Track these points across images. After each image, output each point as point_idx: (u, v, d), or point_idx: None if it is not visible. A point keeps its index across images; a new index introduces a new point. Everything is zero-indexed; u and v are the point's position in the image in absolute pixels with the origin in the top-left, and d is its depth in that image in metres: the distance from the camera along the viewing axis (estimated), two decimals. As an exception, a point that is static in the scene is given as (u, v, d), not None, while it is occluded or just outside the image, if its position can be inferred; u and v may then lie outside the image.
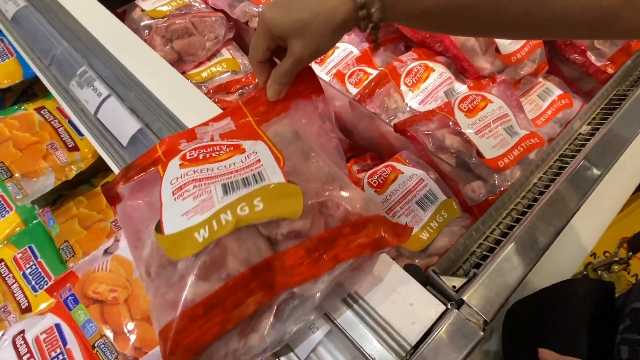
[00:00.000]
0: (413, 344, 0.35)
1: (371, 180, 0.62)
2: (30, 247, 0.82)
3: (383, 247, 0.34)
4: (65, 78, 0.65)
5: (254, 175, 0.36)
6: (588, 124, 0.62)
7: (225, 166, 0.38)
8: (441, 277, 0.39)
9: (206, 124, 0.45)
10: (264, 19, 0.37)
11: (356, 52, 0.86)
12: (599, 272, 0.48)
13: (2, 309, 0.76)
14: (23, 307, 0.76)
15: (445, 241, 0.57)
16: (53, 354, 0.60)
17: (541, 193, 0.52)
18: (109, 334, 0.59)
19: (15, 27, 0.76)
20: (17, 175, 0.80)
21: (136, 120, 0.56)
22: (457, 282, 0.39)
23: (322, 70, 0.85)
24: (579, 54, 0.77)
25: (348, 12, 0.35)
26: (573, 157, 0.56)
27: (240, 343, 0.31)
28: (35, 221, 0.86)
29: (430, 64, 0.76)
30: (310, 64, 0.43)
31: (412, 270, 0.39)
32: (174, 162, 0.39)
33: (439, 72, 0.75)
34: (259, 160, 0.38)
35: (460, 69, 0.77)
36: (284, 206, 0.33)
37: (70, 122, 0.91)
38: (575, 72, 0.80)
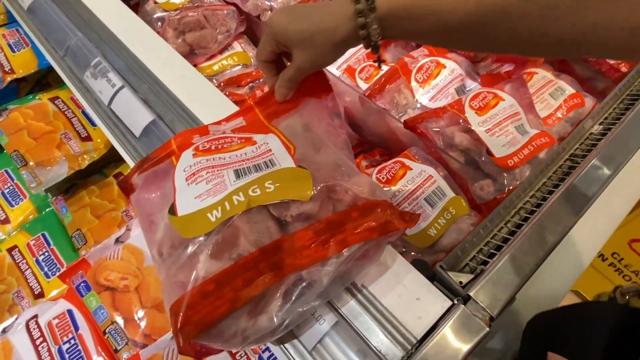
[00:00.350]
0: (419, 338, 0.35)
1: (380, 176, 0.62)
2: (43, 235, 0.84)
3: (391, 231, 0.35)
4: (80, 69, 0.66)
5: (265, 162, 0.37)
6: (600, 124, 0.62)
7: (237, 155, 0.39)
8: (448, 272, 0.40)
9: (219, 123, 0.46)
10: (271, 25, 0.38)
11: (367, 47, 0.85)
12: (627, 297, 0.47)
13: (16, 294, 0.78)
14: (36, 292, 0.78)
15: (452, 238, 0.57)
16: (65, 339, 0.62)
17: (550, 192, 0.52)
18: (120, 321, 0.60)
19: (31, 17, 0.77)
20: (31, 163, 0.81)
21: (149, 111, 0.57)
22: (464, 278, 0.39)
23: (333, 65, 0.85)
24: (593, 53, 0.76)
25: (349, 31, 0.35)
26: (584, 157, 0.56)
27: (249, 322, 0.32)
28: (48, 209, 0.88)
29: (442, 60, 0.76)
30: None
31: (419, 265, 0.40)
32: (187, 152, 0.40)
33: (450, 69, 0.75)
34: (270, 150, 0.39)
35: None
36: (294, 188, 0.34)
37: (84, 112, 0.93)
38: (588, 71, 0.79)
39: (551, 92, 0.73)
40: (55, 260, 0.81)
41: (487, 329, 0.35)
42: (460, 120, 0.64)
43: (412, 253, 0.56)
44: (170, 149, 0.42)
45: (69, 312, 0.64)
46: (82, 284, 0.65)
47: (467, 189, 0.62)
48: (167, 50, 0.65)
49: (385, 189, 0.61)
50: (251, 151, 0.39)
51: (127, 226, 0.71)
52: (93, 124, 0.91)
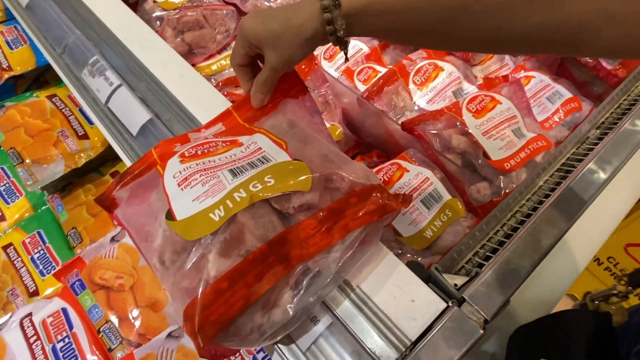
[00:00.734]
0: (413, 340, 0.35)
1: (377, 177, 0.62)
2: (38, 232, 0.83)
3: (389, 212, 0.36)
4: (77, 66, 0.66)
5: (259, 159, 0.37)
6: (597, 128, 0.62)
7: (226, 157, 0.38)
8: (443, 274, 0.40)
9: (198, 130, 0.46)
10: (242, 28, 0.39)
11: (366, 49, 0.86)
12: (597, 302, 0.48)
13: (10, 292, 0.78)
14: (31, 290, 0.77)
15: (448, 240, 0.57)
16: (59, 337, 0.62)
17: (547, 196, 0.52)
18: (114, 320, 0.60)
19: (29, 14, 0.77)
20: (27, 161, 0.81)
21: (146, 110, 0.57)
22: (459, 280, 0.39)
23: (332, 67, 0.86)
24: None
25: (316, 27, 0.36)
26: (580, 160, 0.56)
27: (264, 318, 0.32)
28: (44, 207, 0.88)
29: (440, 63, 0.76)
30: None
31: (414, 267, 0.40)
32: (173, 160, 0.39)
33: (448, 72, 0.75)
34: (260, 148, 0.39)
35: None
36: (294, 180, 0.35)
37: (81, 111, 0.92)
38: (585, 75, 0.80)
39: (548, 96, 0.74)
40: (50, 259, 0.80)
41: (481, 331, 0.35)
42: (458, 123, 0.64)
43: (408, 255, 0.56)
44: (151, 160, 0.41)
45: (64, 310, 0.64)
46: (77, 283, 0.65)
47: (464, 192, 0.62)
48: (165, 49, 0.64)
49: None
50: (240, 152, 0.39)
51: (123, 225, 0.70)
52: (90, 122, 0.91)
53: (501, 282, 0.39)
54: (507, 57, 0.83)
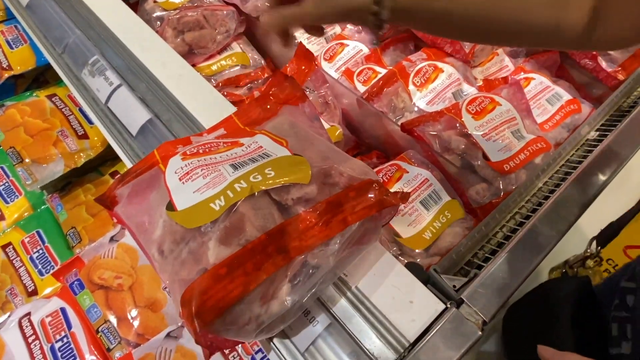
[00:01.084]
0: (411, 341, 0.35)
1: (376, 178, 0.63)
2: (38, 232, 0.83)
3: (387, 206, 0.36)
4: (77, 66, 0.66)
5: (259, 155, 0.38)
6: (596, 130, 0.62)
7: (227, 155, 0.39)
8: (442, 276, 0.40)
9: (200, 134, 0.47)
10: None
11: (365, 50, 0.86)
12: (575, 269, 0.50)
13: (9, 292, 0.78)
14: (29, 290, 0.77)
15: (447, 241, 0.57)
16: (58, 337, 0.62)
17: (546, 198, 0.53)
18: (113, 320, 0.60)
19: (30, 14, 0.77)
20: (27, 160, 0.81)
21: (146, 110, 0.57)
22: (458, 281, 0.39)
23: (332, 68, 0.86)
24: (590, 59, 0.76)
25: (364, 2, 0.36)
26: (579, 162, 0.56)
27: (262, 309, 0.32)
28: (43, 206, 0.88)
29: (440, 64, 0.76)
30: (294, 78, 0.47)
31: (413, 268, 0.40)
32: (175, 158, 0.40)
33: (447, 73, 0.75)
34: (260, 147, 0.39)
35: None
36: (294, 172, 0.35)
37: (81, 110, 0.92)
38: (585, 77, 0.80)
39: (548, 98, 0.74)
40: (49, 258, 0.80)
41: (480, 333, 0.35)
42: (457, 124, 0.64)
43: (407, 256, 0.56)
44: (153, 160, 0.42)
45: (62, 310, 0.64)
46: (75, 282, 0.65)
47: (463, 193, 0.62)
48: (165, 50, 0.65)
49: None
50: (241, 150, 0.39)
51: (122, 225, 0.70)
52: (90, 121, 0.91)
53: (500, 284, 0.39)
54: (506, 58, 0.83)
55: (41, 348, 0.61)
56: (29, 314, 0.65)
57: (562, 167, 0.57)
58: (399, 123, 0.66)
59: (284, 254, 0.32)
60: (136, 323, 0.59)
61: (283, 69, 0.75)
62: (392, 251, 0.56)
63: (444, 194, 0.61)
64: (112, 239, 0.69)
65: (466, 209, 0.61)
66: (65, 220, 0.83)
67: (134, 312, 0.60)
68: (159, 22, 0.81)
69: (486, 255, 0.47)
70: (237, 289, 0.31)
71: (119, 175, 0.41)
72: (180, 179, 0.37)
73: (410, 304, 0.37)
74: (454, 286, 0.39)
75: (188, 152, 0.41)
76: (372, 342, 0.36)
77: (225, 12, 0.85)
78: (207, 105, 0.56)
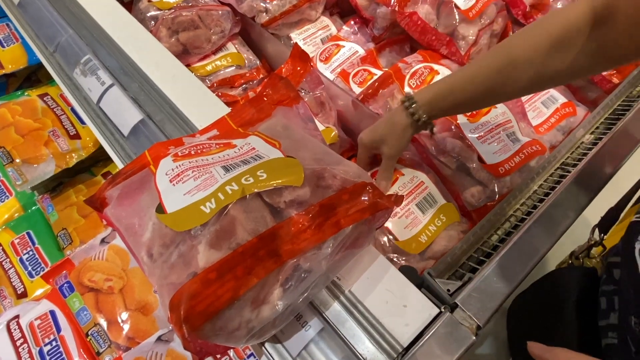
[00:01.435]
0: (405, 346, 0.35)
1: (371, 180, 0.62)
2: (28, 233, 0.82)
3: (381, 209, 0.36)
4: (69, 65, 0.65)
5: (252, 157, 0.38)
6: (591, 133, 0.62)
7: (220, 156, 0.38)
8: (436, 280, 0.39)
9: (193, 135, 0.47)
10: (361, 141, 0.58)
11: (361, 51, 0.85)
12: (580, 259, 0.50)
13: (-2, 294, 0.76)
14: (19, 292, 0.76)
15: (442, 245, 0.57)
16: (46, 340, 0.60)
17: (541, 201, 0.52)
18: (103, 323, 0.59)
19: (22, 12, 0.76)
20: (17, 160, 0.80)
21: (138, 110, 0.56)
22: (452, 285, 0.39)
23: (327, 69, 0.85)
24: (585, 63, 0.76)
25: (406, 120, 0.53)
26: (574, 165, 0.56)
27: (253, 314, 0.32)
28: (34, 207, 0.87)
29: (435, 66, 0.76)
30: (285, 76, 0.50)
31: (407, 272, 0.39)
32: (167, 159, 0.39)
33: (443, 75, 0.75)
34: (253, 148, 0.39)
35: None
36: (286, 174, 0.35)
37: (73, 110, 0.91)
38: (580, 81, 0.80)
39: (543, 101, 0.74)
40: (39, 260, 0.79)
41: (474, 337, 0.35)
42: (453, 127, 0.64)
43: (402, 259, 0.56)
44: (144, 161, 0.41)
45: (52, 313, 0.63)
46: (65, 285, 0.64)
47: (458, 196, 0.62)
48: (158, 49, 0.64)
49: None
50: (233, 152, 0.39)
51: (113, 226, 0.69)
52: (82, 121, 0.90)
53: (494, 288, 0.39)
54: (502, 61, 0.83)
55: (29, 352, 0.60)
56: (17, 316, 0.64)
57: (558, 170, 0.57)
58: (394, 125, 0.66)
59: (276, 258, 0.32)
60: (126, 326, 0.58)
61: (278, 69, 0.74)
62: (387, 255, 0.56)
63: (440, 196, 0.60)
64: (103, 241, 0.68)
65: (461, 211, 0.61)
66: (56, 221, 0.82)
67: (124, 315, 0.59)
68: (153, 22, 0.81)
69: (481, 258, 0.47)
70: (227, 293, 0.30)
71: (109, 177, 0.40)
72: (170, 181, 0.36)
73: (404, 308, 0.37)
74: (448, 290, 0.38)
75: (180, 154, 0.40)
76: (365, 346, 0.35)
77: (220, 12, 0.84)
78: (201, 106, 0.55)
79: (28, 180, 0.80)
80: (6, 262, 0.79)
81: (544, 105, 0.73)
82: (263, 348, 0.38)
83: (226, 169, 0.36)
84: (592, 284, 0.45)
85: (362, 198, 0.35)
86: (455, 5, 0.75)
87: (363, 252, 0.40)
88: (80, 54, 0.64)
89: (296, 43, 0.85)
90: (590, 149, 0.58)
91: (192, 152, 0.40)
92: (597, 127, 0.63)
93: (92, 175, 0.91)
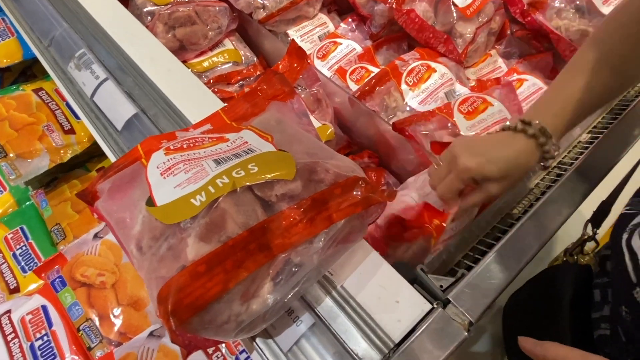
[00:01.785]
0: (397, 341, 0.34)
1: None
2: (21, 228, 0.81)
3: (374, 204, 0.35)
4: (64, 59, 0.64)
5: (244, 150, 0.37)
6: (588, 132, 0.62)
7: (212, 150, 0.38)
8: (429, 275, 0.39)
9: (186, 129, 0.46)
10: (466, 167, 0.44)
11: (359, 49, 0.85)
12: (575, 255, 0.50)
13: (-10, 289, 0.76)
14: (11, 287, 0.75)
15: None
16: (38, 335, 0.60)
17: (537, 199, 0.52)
18: (95, 318, 0.59)
19: (17, 6, 0.75)
20: (11, 155, 0.79)
21: (132, 105, 0.55)
22: (445, 281, 0.38)
23: (324, 66, 0.85)
24: (583, 62, 0.76)
25: (536, 160, 0.45)
26: (571, 164, 0.56)
27: (242, 307, 0.31)
28: (28, 202, 0.86)
29: (432, 64, 0.75)
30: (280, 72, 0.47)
31: (400, 267, 0.39)
32: (158, 153, 0.39)
33: (440, 73, 0.75)
34: (246, 142, 0.38)
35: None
36: (278, 168, 0.34)
37: (68, 105, 0.91)
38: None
39: (540, 100, 0.73)
40: (32, 255, 0.78)
41: (466, 333, 0.34)
42: (449, 124, 0.64)
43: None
44: (137, 154, 0.41)
45: (43, 307, 0.62)
46: (57, 279, 0.63)
47: (454, 193, 0.61)
48: (154, 44, 0.63)
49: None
50: (226, 146, 0.38)
51: (106, 221, 0.69)
52: (77, 117, 0.89)
53: (487, 284, 0.38)
54: (500, 59, 0.83)
55: (20, 347, 0.60)
56: (9, 311, 0.64)
57: (554, 168, 0.57)
58: (391, 122, 0.66)
59: (266, 252, 0.31)
60: (118, 321, 0.58)
61: (275, 66, 0.74)
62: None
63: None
64: (96, 236, 0.67)
65: (457, 209, 0.61)
66: (49, 216, 0.82)
67: (116, 311, 0.59)
68: (149, 17, 0.80)
69: (476, 256, 0.47)
70: (216, 286, 0.30)
71: (101, 171, 0.40)
72: (161, 174, 0.36)
73: (396, 304, 0.36)
74: (441, 286, 0.38)
75: (172, 147, 0.40)
76: (356, 342, 0.35)
77: (217, 8, 0.84)
78: (195, 101, 0.55)
79: (22, 175, 0.80)
80: (-1, 257, 0.78)
81: (541, 104, 0.73)
82: (254, 343, 0.38)
83: (217, 162, 0.36)
84: (585, 281, 0.45)
85: (355, 192, 0.35)
86: (453, 3, 0.75)
87: (356, 247, 0.40)
88: (75, 48, 0.63)
89: (293, 39, 0.85)
90: (587, 148, 0.58)
91: (185, 146, 0.40)
92: (595, 127, 0.63)
93: (86, 170, 0.90)
